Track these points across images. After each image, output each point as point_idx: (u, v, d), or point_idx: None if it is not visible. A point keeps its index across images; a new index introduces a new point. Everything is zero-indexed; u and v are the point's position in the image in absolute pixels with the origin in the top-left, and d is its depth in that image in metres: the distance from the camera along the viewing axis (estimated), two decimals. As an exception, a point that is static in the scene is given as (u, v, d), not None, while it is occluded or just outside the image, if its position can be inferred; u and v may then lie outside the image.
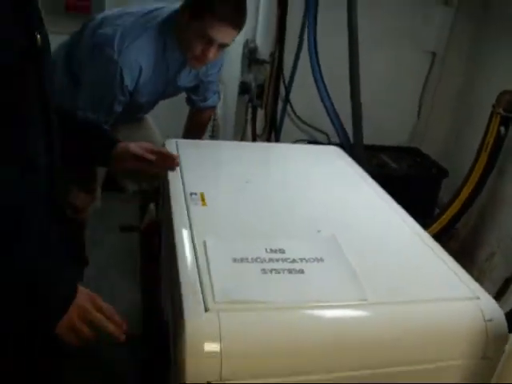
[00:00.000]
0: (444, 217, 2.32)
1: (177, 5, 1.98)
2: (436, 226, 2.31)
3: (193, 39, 1.87)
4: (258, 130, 2.88)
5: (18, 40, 1.01)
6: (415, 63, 3.12)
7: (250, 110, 2.84)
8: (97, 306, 1.03)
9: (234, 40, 1.95)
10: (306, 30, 2.51)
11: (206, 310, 0.95)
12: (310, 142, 3.00)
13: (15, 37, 1.00)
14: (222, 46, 1.91)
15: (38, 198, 1.09)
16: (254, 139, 2.85)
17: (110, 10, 2.10)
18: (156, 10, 2.00)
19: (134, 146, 1.47)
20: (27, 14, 1.05)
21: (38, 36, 1.09)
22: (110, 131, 1.67)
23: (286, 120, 3.00)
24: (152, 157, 1.47)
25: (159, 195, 2.14)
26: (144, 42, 1.89)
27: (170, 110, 2.49)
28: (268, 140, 2.86)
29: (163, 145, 1.79)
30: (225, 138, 3.10)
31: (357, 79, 2.22)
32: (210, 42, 1.85)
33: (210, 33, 1.82)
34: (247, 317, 0.97)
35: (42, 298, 0.96)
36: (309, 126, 3.06)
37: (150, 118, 2.44)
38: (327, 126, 2.84)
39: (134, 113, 2.22)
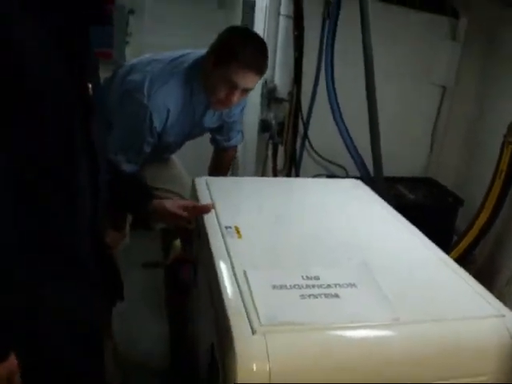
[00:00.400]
0: (462, 244, 2.39)
1: (202, 51, 2.12)
2: (454, 253, 2.38)
3: (218, 84, 1.98)
4: (279, 166, 2.99)
5: (68, 90, 1.13)
6: (427, 96, 3.24)
7: (270, 146, 2.96)
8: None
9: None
10: (323, 69, 2.65)
11: (253, 332, 1.04)
12: (328, 176, 3.10)
13: (66, 87, 1.12)
14: (246, 91, 2.03)
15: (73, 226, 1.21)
16: (275, 175, 2.96)
17: (138, 58, 2.23)
18: (182, 56, 2.12)
19: (171, 206, 1.59)
20: (80, 64, 1.17)
21: (90, 85, 1.21)
22: (148, 186, 1.76)
23: (305, 155, 3.12)
24: (188, 214, 1.59)
25: (185, 232, 2.25)
26: (171, 87, 2.02)
27: (194, 150, 2.60)
28: (288, 175, 2.97)
29: (192, 182, 1.89)
30: (245, 175, 3.21)
31: (375, 115, 2.34)
32: (234, 86, 1.97)
33: (235, 79, 1.94)
34: (291, 337, 1.05)
35: None
36: (327, 160, 3.16)
37: (175, 157, 2.56)
38: (344, 160, 2.97)
39: (162, 153, 2.33)
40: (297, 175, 3.01)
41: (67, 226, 1.18)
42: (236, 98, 2.01)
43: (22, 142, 1.05)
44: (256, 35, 2.10)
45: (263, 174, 3.08)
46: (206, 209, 1.60)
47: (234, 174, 3.17)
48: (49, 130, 1.09)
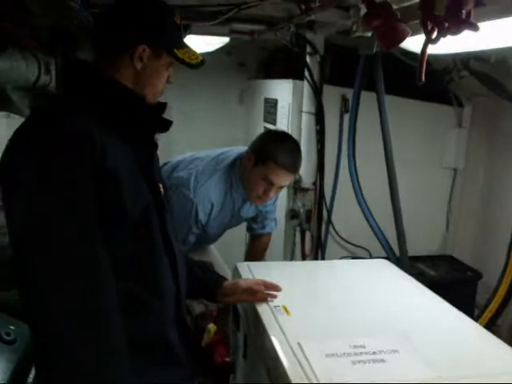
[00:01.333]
0: (484, 315, 2.51)
1: (239, 148, 2.38)
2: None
3: (256, 181, 2.22)
4: (307, 251, 3.19)
5: (145, 192, 1.37)
6: (440, 179, 3.48)
7: (298, 233, 3.18)
8: None
9: None
10: (344, 159, 2.92)
11: (316, 394, 1.22)
12: (352, 258, 3.28)
13: (143, 190, 1.36)
14: (281, 187, 2.28)
15: (169, 319, 1.43)
16: (304, 258, 3.16)
17: (181, 156, 2.49)
18: (222, 154, 2.38)
19: (244, 282, 1.74)
20: (152, 171, 1.42)
21: (161, 186, 1.45)
22: (216, 272, 1.88)
23: (329, 239, 3.31)
24: (262, 288, 1.71)
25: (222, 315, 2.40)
26: (214, 183, 2.26)
27: (226, 238, 2.82)
28: (315, 259, 3.17)
29: (235, 267, 2.08)
30: (272, 259, 3.39)
31: (397, 199, 2.55)
32: (271, 184, 2.21)
33: (272, 177, 2.18)
34: (350, 397, 1.23)
35: None
36: (350, 243, 3.35)
37: (212, 246, 2.77)
38: (366, 242, 3.18)
39: (203, 243, 2.55)
40: (323, 258, 3.20)
41: (157, 322, 1.40)
42: (272, 193, 2.25)
43: (120, 249, 1.27)
44: (291, 138, 2.35)
45: (292, 258, 3.28)
46: (277, 287, 1.73)
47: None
48: (139, 235, 1.33)
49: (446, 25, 1.33)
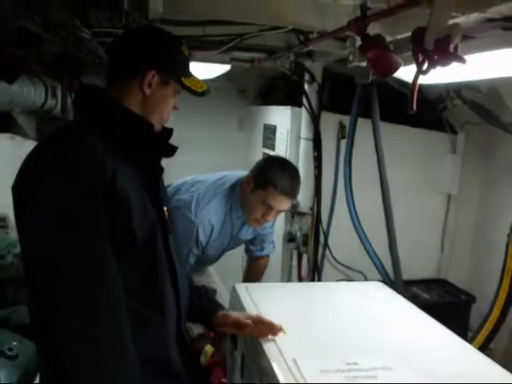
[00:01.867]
0: (478, 338, 2.56)
1: (239, 172, 2.45)
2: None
3: (255, 205, 2.29)
4: (303, 273, 3.24)
5: (152, 215, 1.43)
6: (434, 204, 3.57)
7: (295, 256, 3.24)
8: None
9: None
10: (341, 184, 2.99)
11: (310, 407, 1.27)
12: (348, 281, 3.33)
13: (150, 213, 1.42)
14: (279, 211, 2.34)
15: (170, 336, 1.48)
16: (300, 281, 3.21)
17: (182, 180, 2.56)
18: (223, 177, 2.46)
19: (234, 314, 1.72)
20: (158, 194, 1.48)
21: (165, 209, 1.52)
22: (214, 299, 1.87)
23: (326, 263, 3.38)
24: (249, 322, 1.64)
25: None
26: (215, 205, 2.33)
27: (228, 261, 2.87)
28: (312, 281, 3.22)
29: (233, 288, 2.13)
30: (269, 281, 3.44)
31: (391, 223, 2.62)
32: (269, 208, 2.28)
33: (271, 202, 2.25)
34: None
35: None
36: (346, 267, 3.41)
37: (211, 267, 2.83)
38: (361, 265, 3.23)
39: (202, 264, 2.61)
40: (319, 281, 3.25)
41: (159, 339, 1.45)
42: (271, 217, 2.32)
43: (126, 269, 1.33)
44: (291, 164, 2.42)
45: (288, 280, 3.33)
46: (276, 329, 1.64)
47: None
48: (145, 255, 1.39)
49: (436, 57, 1.41)
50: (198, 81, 1.50)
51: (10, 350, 1.82)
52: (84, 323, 1.21)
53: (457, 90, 2.73)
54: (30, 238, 1.25)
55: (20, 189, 1.30)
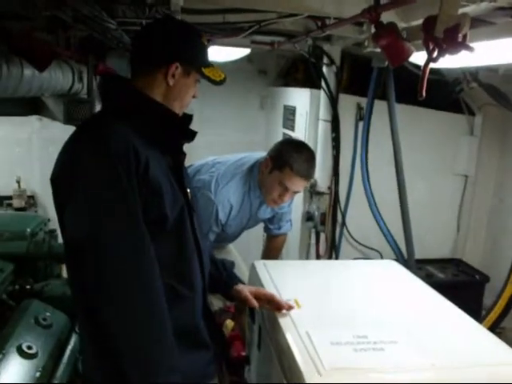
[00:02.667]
0: (490, 316, 2.63)
1: (258, 153, 2.54)
2: (484, 326, 2.63)
3: (272, 185, 2.37)
4: (321, 252, 3.34)
5: (180, 197, 1.53)
6: (451, 185, 3.62)
7: (313, 234, 3.33)
8: None
9: None
10: (359, 165, 3.06)
11: (320, 375, 1.36)
12: (365, 259, 3.41)
13: (178, 196, 1.52)
14: (295, 192, 2.43)
15: (198, 308, 1.59)
16: (318, 259, 3.30)
17: (203, 160, 2.64)
18: (242, 158, 2.54)
19: (250, 289, 1.80)
20: (182, 177, 1.58)
21: (189, 191, 1.61)
22: (232, 272, 1.92)
23: (343, 241, 3.47)
24: (256, 304, 1.74)
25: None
26: (234, 185, 2.41)
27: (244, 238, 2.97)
28: (329, 259, 3.31)
29: (252, 265, 2.21)
30: (289, 259, 3.53)
31: (405, 204, 2.68)
32: (286, 189, 2.36)
33: (287, 183, 2.33)
34: (348, 378, 1.37)
35: None
36: (363, 245, 3.49)
37: (231, 245, 2.93)
38: (378, 244, 3.32)
39: (222, 242, 2.71)
40: (336, 259, 3.34)
41: (190, 311, 1.58)
42: (287, 198, 2.41)
43: (159, 249, 1.44)
44: (307, 147, 2.48)
45: (306, 258, 3.42)
46: (289, 306, 1.72)
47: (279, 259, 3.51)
48: (175, 235, 1.50)
49: (444, 46, 1.47)
50: (216, 70, 1.57)
51: (45, 319, 1.95)
52: (127, 301, 1.33)
53: (473, 73, 2.76)
54: (72, 223, 1.35)
55: (59, 177, 1.39)
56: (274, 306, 1.73)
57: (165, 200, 1.43)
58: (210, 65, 1.56)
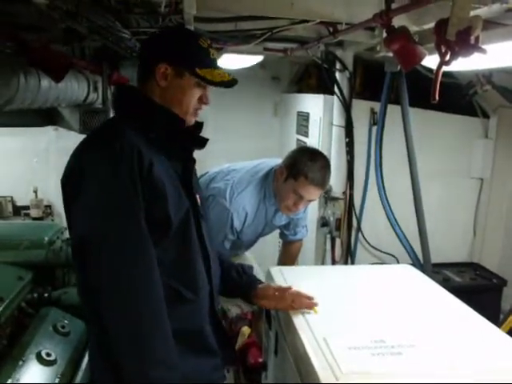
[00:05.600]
0: (508, 321, 2.60)
1: (273, 160, 2.55)
2: (502, 330, 2.61)
3: (287, 194, 2.38)
4: (337, 257, 3.33)
5: (185, 202, 1.54)
6: (467, 188, 3.60)
7: (328, 240, 3.32)
8: None
9: None
10: (373, 170, 3.05)
11: (337, 379, 1.36)
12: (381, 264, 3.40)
13: (183, 200, 1.54)
14: (310, 201, 2.43)
15: (203, 312, 1.60)
16: (334, 264, 3.30)
17: (218, 168, 2.66)
18: (257, 165, 2.55)
19: (275, 285, 1.85)
20: (190, 182, 1.59)
21: (198, 196, 1.63)
22: (253, 274, 1.94)
23: (359, 247, 3.46)
24: (290, 295, 1.76)
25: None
26: (249, 193, 2.42)
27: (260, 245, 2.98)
28: (345, 264, 3.30)
29: (268, 271, 2.22)
30: (304, 265, 3.53)
31: (420, 208, 2.67)
32: (300, 197, 2.36)
33: (302, 192, 2.33)
34: (366, 381, 1.37)
35: None
36: (379, 250, 3.49)
37: (247, 252, 2.93)
38: (394, 249, 3.30)
39: (237, 249, 2.71)
40: (352, 264, 3.34)
41: (192, 314, 1.59)
42: (301, 206, 2.41)
43: (161, 250, 1.45)
44: (322, 155, 2.47)
45: (322, 263, 3.42)
46: (313, 303, 1.76)
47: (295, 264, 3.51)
48: (179, 238, 1.51)
49: (457, 48, 1.47)
50: (218, 72, 1.54)
51: (63, 327, 1.98)
52: (128, 300, 1.36)
53: (487, 75, 2.75)
54: (75, 222, 1.41)
55: (66, 179, 1.44)
56: (298, 303, 1.75)
57: (168, 202, 1.45)
58: (209, 66, 1.53)
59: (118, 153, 1.38)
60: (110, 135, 1.45)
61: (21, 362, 1.71)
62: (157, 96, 1.52)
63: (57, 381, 1.74)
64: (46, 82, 1.91)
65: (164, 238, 1.48)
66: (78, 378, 1.87)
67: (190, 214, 1.55)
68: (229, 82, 1.55)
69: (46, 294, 2.22)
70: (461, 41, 1.46)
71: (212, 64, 1.55)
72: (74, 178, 1.41)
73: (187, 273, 1.56)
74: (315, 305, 1.75)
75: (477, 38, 1.46)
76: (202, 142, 1.62)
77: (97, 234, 1.35)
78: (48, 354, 1.79)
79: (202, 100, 1.57)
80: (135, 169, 1.38)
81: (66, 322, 2.02)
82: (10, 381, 1.62)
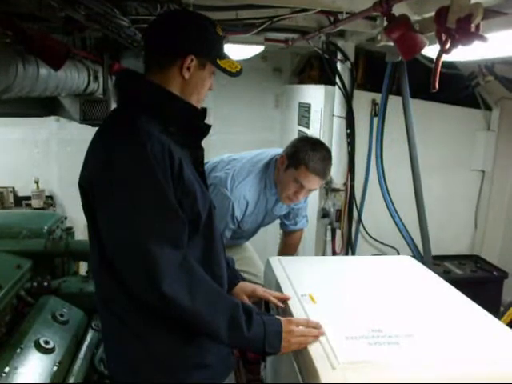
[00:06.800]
0: (508, 313, 2.60)
1: (274, 150, 2.54)
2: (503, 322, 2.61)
3: (288, 183, 2.37)
4: (337, 248, 3.33)
5: (208, 196, 1.55)
6: (468, 181, 3.59)
7: (329, 231, 3.32)
8: (295, 323, 1.55)
9: None
10: (374, 161, 3.05)
11: (333, 369, 1.36)
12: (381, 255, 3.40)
13: (206, 194, 1.54)
14: (310, 190, 2.43)
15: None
16: (334, 255, 3.30)
17: (218, 157, 2.65)
18: (258, 155, 2.54)
19: (250, 287, 1.88)
20: (203, 174, 1.59)
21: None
22: (234, 270, 1.97)
23: (359, 238, 3.46)
24: (280, 305, 1.81)
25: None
26: (250, 182, 2.42)
27: (261, 236, 2.98)
28: (346, 255, 3.30)
29: (267, 261, 2.22)
30: (305, 255, 3.55)
31: (421, 200, 2.66)
32: (301, 187, 2.36)
33: (303, 181, 2.33)
34: (361, 372, 1.37)
35: None
36: (379, 242, 3.48)
37: (248, 242, 2.93)
38: (394, 241, 3.30)
39: (238, 238, 2.71)
40: (352, 255, 3.33)
41: None
42: (302, 195, 2.40)
43: (192, 246, 1.47)
44: (323, 145, 2.46)
45: (323, 254, 3.42)
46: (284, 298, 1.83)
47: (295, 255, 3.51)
48: (206, 232, 1.53)
49: (457, 36, 1.46)
50: (233, 62, 1.54)
51: (62, 315, 1.98)
52: (193, 286, 1.40)
53: (489, 66, 2.73)
54: (112, 228, 1.39)
55: (96, 180, 1.40)
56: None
57: (198, 200, 1.45)
58: (225, 56, 1.53)
59: (152, 153, 1.34)
60: (136, 132, 1.39)
61: (19, 350, 1.71)
62: (177, 87, 1.49)
63: (55, 369, 1.74)
64: (44, 71, 1.90)
65: (194, 236, 1.48)
66: (76, 366, 1.87)
67: (212, 209, 1.56)
68: (241, 70, 1.56)
69: (45, 283, 2.22)
70: (461, 28, 1.45)
71: (225, 54, 1.55)
72: (105, 181, 1.38)
73: (214, 268, 1.57)
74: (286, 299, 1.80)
75: (477, 26, 1.45)
76: (207, 129, 1.60)
77: (138, 237, 1.35)
78: (46, 342, 1.79)
79: (210, 87, 1.57)
80: (168, 169, 1.36)
81: (64, 310, 2.02)
82: (8, 368, 1.63)
